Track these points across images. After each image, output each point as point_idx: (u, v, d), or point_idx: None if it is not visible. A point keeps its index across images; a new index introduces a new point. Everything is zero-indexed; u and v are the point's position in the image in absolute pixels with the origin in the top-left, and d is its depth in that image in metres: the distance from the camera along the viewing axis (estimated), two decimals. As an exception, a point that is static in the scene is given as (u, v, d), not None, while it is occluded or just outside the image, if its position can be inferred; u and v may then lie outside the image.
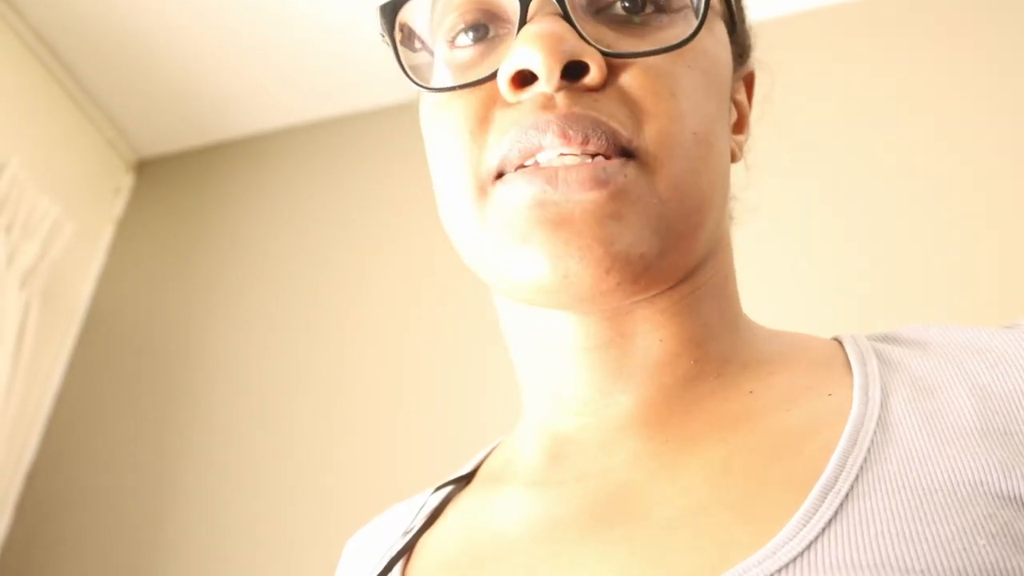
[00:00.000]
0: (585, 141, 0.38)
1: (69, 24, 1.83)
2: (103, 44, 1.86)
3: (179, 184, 2.05)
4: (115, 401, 1.76)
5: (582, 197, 0.37)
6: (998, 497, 0.32)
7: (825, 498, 0.33)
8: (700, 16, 0.40)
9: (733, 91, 0.48)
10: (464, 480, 0.51)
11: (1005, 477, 0.33)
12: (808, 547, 0.32)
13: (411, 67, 0.43)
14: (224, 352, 1.75)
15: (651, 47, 0.40)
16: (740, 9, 0.49)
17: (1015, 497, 0.32)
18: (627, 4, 0.41)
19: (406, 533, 0.48)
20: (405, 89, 1.89)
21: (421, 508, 0.51)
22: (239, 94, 1.96)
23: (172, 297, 1.87)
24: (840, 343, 0.45)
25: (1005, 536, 0.31)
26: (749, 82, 0.51)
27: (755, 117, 0.52)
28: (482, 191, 0.40)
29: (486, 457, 0.54)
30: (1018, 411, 0.35)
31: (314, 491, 1.52)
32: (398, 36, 0.43)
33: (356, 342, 1.67)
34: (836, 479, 0.34)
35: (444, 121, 0.42)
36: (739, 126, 0.50)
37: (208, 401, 1.70)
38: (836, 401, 0.39)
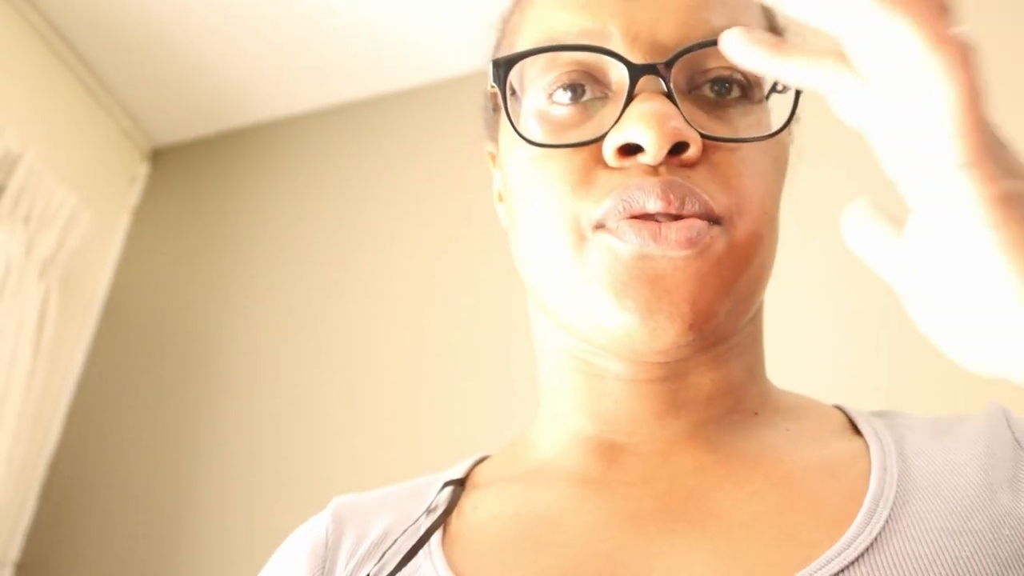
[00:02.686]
0: (681, 204, 0.42)
1: (83, 14, 1.83)
2: (117, 34, 1.87)
3: (194, 172, 2.06)
4: (134, 387, 1.78)
5: (676, 254, 0.42)
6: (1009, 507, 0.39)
7: (877, 505, 0.40)
8: (788, 117, 0.45)
9: None
10: (459, 483, 0.52)
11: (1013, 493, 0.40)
12: (874, 542, 0.38)
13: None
14: (241, 337, 1.76)
15: (738, 134, 0.45)
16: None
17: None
18: (716, 88, 0.45)
19: (430, 512, 0.49)
20: (419, 74, 1.86)
21: (435, 497, 0.51)
22: (252, 81, 1.97)
23: (189, 284, 1.88)
24: (841, 409, 0.51)
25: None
26: None
27: None
28: (581, 237, 0.44)
29: (475, 466, 0.55)
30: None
31: (332, 473, 1.53)
32: (508, 91, 0.46)
33: (373, 327, 1.67)
34: (882, 491, 0.40)
35: (545, 174, 0.45)
36: None
37: (225, 386, 1.71)
38: (857, 444, 0.46)
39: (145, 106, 2.03)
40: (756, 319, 0.51)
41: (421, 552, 0.46)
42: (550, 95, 0.46)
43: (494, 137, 0.54)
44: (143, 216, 2.03)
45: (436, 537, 0.47)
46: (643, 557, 0.41)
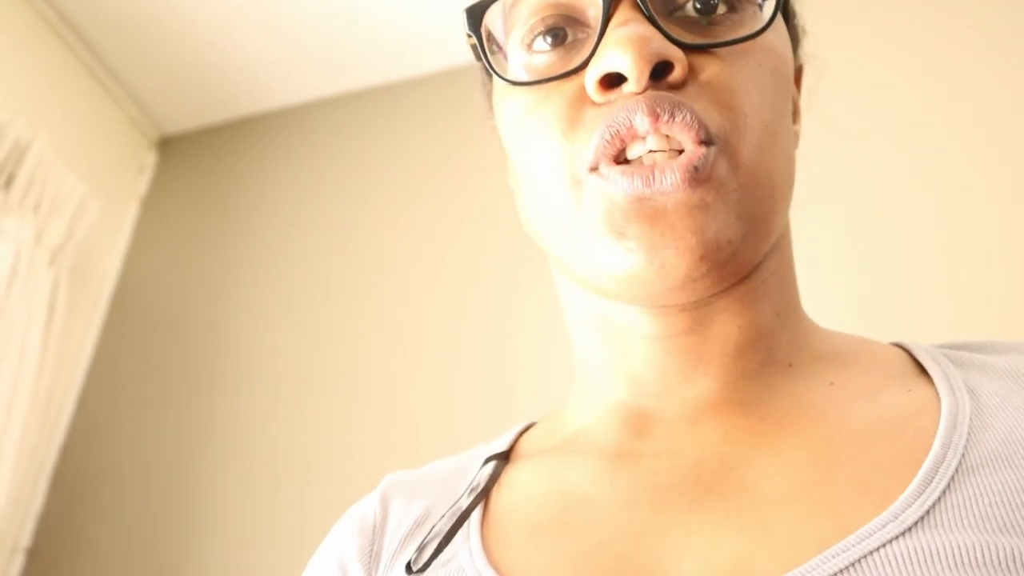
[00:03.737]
0: (671, 117, 0.39)
1: (91, 3, 1.83)
2: (125, 22, 1.87)
3: (203, 161, 2.06)
4: (144, 375, 1.79)
5: (675, 193, 0.39)
6: None
7: (936, 472, 0.35)
8: (774, 11, 0.43)
9: None
10: (503, 457, 0.51)
11: None
12: (927, 513, 0.34)
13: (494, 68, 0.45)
14: (249, 325, 1.77)
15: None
16: (791, 5, 0.52)
17: None
18: (699, 5, 0.43)
19: (472, 491, 0.49)
20: (427, 63, 1.86)
21: (477, 473, 0.51)
22: (262, 69, 1.96)
23: (198, 272, 1.89)
24: (903, 348, 0.47)
25: None
26: (798, 75, 0.53)
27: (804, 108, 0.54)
28: (576, 182, 0.42)
29: (521, 435, 0.54)
30: None
31: (339, 461, 1.54)
32: (485, 39, 0.45)
33: (381, 315, 1.68)
34: (944, 456, 0.36)
35: (535, 122, 0.44)
36: (794, 117, 0.52)
37: (234, 373, 1.72)
38: (919, 396, 0.41)
39: (154, 95, 2.04)
40: (781, 251, 0.48)
41: (459, 534, 0.45)
42: (530, 44, 0.45)
43: (492, 106, 0.53)
44: (152, 205, 2.04)
45: (476, 517, 0.46)
46: (670, 537, 0.39)
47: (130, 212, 2.01)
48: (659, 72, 0.40)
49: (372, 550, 0.49)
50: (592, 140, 0.41)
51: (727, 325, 0.45)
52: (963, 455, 0.36)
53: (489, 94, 0.52)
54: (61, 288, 1.68)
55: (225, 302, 1.82)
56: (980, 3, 1.48)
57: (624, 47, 0.39)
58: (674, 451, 0.44)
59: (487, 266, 1.62)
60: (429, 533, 0.46)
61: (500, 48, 0.46)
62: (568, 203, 0.42)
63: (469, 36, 0.46)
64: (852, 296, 1.33)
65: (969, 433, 0.37)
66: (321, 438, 1.58)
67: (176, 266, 1.92)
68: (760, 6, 0.43)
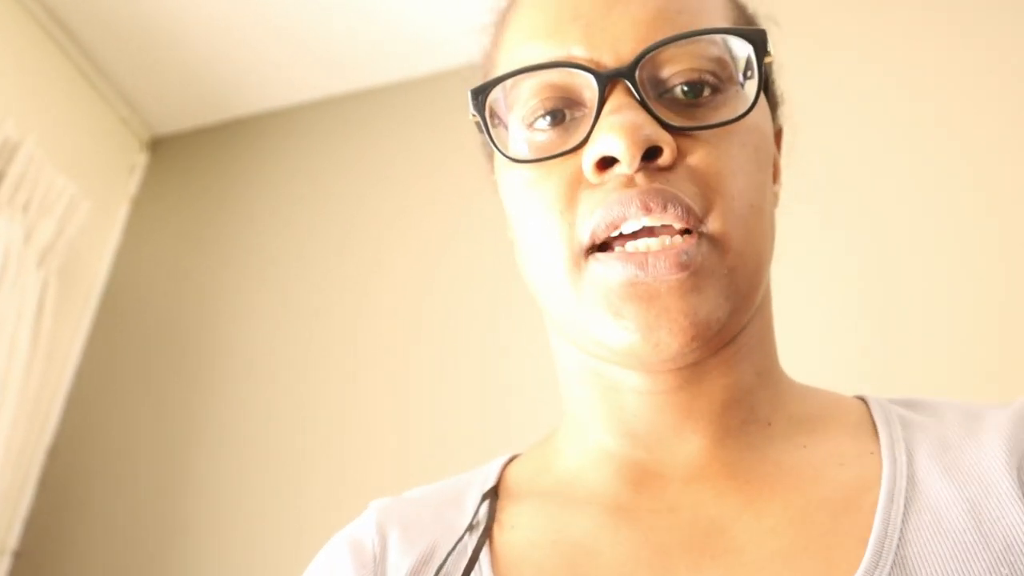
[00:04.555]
0: (663, 209, 0.43)
1: (82, 2, 1.83)
2: (116, 22, 1.86)
3: (194, 162, 2.06)
4: (133, 376, 1.78)
5: (668, 277, 0.43)
6: (1010, 528, 0.40)
7: (882, 549, 0.40)
8: (755, 94, 0.46)
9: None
10: (493, 492, 0.53)
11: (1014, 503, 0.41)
12: None
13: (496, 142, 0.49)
14: (240, 327, 1.76)
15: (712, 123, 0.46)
16: (771, 73, 0.55)
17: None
18: (686, 88, 0.46)
19: (472, 529, 0.50)
20: (421, 64, 1.86)
21: (476, 510, 0.52)
22: (254, 70, 1.96)
23: (188, 274, 1.88)
24: (865, 402, 0.52)
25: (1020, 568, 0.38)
26: (778, 136, 0.56)
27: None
28: (576, 265, 0.46)
29: (505, 467, 0.56)
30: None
31: (330, 467, 1.54)
32: (488, 116, 0.49)
33: (373, 319, 1.67)
34: (885, 532, 0.41)
35: (535, 200, 0.48)
36: (775, 177, 0.54)
37: (224, 376, 1.71)
38: (876, 460, 0.46)
39: (145, 95, 2.03)
40: (763, 314, 0.51)
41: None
42: (531, 124, 0.48)
43: (493, 167, 0.56)
44: (142, 205, 2.03)
45: (485, 560, 0.48)
46: None
47: (120, 213, 2.00)
48: (650, 155, 0.44)
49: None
50: (589, 223, 0.45)
51: (713, 384, 0.49)
52: (901, 528, 0.41)
53: (490, 155, 0.56)
54: (50, 288, 1.67)
55: (215, 304, 1.81)
56: (977, 5, 1.49)
57: (617, 133, 0.43)
58: (670, 509, 0.47)
59: (482, 271, 1.62)
60: (437, 574, 0.48)
61: (502, 121, 0.50)
62: (568, 281, 0.46)
63: (473, 115, 0.49)
64: (849, 311, 1.33)
65: (905, 505, 0.42)
66: (312, 440, 1.58)
67: (166, 267, 1.91)
68: (742, 85, 0.47)
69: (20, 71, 1.79)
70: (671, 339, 0.43)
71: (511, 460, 0.57)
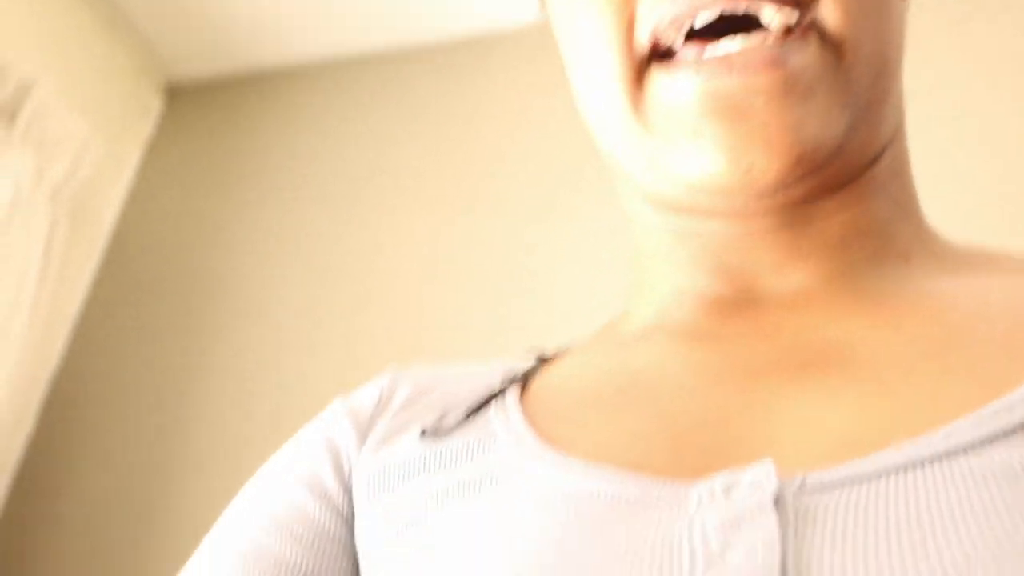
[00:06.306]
0: None
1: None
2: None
3: (212, 111, 2.06)
4: (139, 318, 1.81)
5: (761, 80, 0.32)
6: None
7: None
8: None
9: None
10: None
11: None
12: None
13: None
14: (248, 278, 1.79)
15: None
16: None
17: None
18: None
19: (507, 379, 0.42)
20: (450, 28, 1.84)
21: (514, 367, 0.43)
22: (280, 20, 1.92)
23: (198, 222, 1.90)
24: None
25: None
26: None
27: None
28: (637, 81, 0.35)
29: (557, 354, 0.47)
30: None
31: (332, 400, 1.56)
32: None
33: (385, 274, 1.69)
34: None
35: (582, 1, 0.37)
36: None
37: (229, 323, 1.74)
38: None
39: (162, 37, 2.02)
40: (897, 144, 0.40)
41: (492, 405, 0.39)
42: None
43: None
44: (156, 151, 2.04)
45: (513, 394, 0.39)
46: (764, 406, 0.32)
47: (133, 157, 2.02)
48: None
49: (371, 424, 0.43)
50: (652, 16, 0.34)
51: (827, 221, 0.37)
52: None
53: None
54: (60, 227, 1.69)
55: (227, 251, 1.84)
56: (978, 6, 1.46)
57: None
58: (766, 334, 0.36)
59: (495, 237, 1.63)
60: (452, 404, 0.40)
61: None
62: (625, 103, 0.36)
63: None
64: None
65: None
66: (322, 383, 1.60)
67: (177, 214, 1.93)
68: None
69: (33, 9, 1.80)
70: (767, 162, 0.33)
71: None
